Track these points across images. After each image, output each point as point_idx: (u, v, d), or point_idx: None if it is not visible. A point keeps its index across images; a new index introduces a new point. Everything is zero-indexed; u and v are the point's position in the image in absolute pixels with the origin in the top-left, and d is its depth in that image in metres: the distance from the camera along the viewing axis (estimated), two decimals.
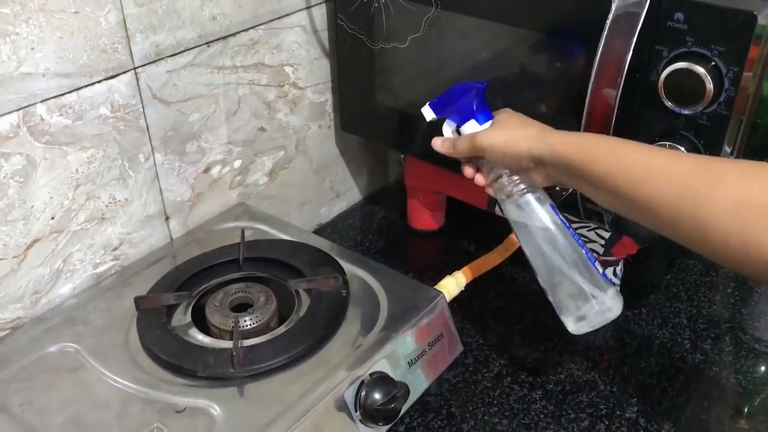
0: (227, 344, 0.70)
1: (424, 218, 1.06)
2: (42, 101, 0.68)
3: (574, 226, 0.72)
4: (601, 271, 0.69)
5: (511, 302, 0.92)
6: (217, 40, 0.82)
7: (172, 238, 0.87)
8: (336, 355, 0.70)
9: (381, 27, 0.87)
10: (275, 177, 0.98)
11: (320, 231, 1.08)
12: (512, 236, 0.97)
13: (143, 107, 0.77)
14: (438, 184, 1.00)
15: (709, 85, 0.64)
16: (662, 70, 0.66)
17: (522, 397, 0.78)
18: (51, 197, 0.73)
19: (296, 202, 1.03)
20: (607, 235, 0.88)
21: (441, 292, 0.79)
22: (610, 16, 0.67)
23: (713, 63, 0.64)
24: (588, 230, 0.88)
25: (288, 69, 0.92)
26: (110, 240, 0.80)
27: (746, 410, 0.78)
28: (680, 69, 0.65)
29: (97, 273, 0.80)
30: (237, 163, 0.91)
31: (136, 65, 0.75)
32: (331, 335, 0.72)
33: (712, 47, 0.64)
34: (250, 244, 0.83)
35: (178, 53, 0.79)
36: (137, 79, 0.76)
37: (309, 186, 1.04)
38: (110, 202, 0.78)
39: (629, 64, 0.67)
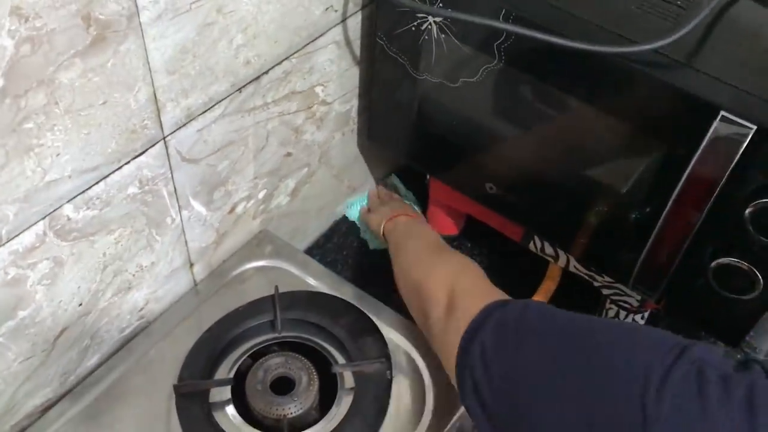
0: None
1: (444, 223, 1.02)
2: (68, 201, 0.60)
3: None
4: None
5: None
6: (250, 83, 0.72)
7: (196, 282, 0.82)
8: None
9: (429, 60, 0.77)
10: (297, 194, 0.91)
11: (334, 229, 1.03)
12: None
13: (172, 173, 0.69)
14: (468, 207, 0.96)
15: None
16: (753, 202, 0.62)
17: None
18: (78, 287, 0.66)
19: (314, 209, 0.97)
20: None
21: None
22: (708, 136, 0.62)
23: None
24: None
25: (318, 89, 0.83)
26: (136, 304, 0.75)
27: None
28: None
29: (124, 336, 0.76)
30: (261, 194, 0.84)
31: (166, 134, 0.66)
32: (379, 425, 0.71)
33: None
34: (282, 296, 0.79)
35: (209, 109, 0.69)
36: (166, 148, 0.67)
37: (328, 191, 0.98)
38: (137, 271, 0.72)
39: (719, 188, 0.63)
